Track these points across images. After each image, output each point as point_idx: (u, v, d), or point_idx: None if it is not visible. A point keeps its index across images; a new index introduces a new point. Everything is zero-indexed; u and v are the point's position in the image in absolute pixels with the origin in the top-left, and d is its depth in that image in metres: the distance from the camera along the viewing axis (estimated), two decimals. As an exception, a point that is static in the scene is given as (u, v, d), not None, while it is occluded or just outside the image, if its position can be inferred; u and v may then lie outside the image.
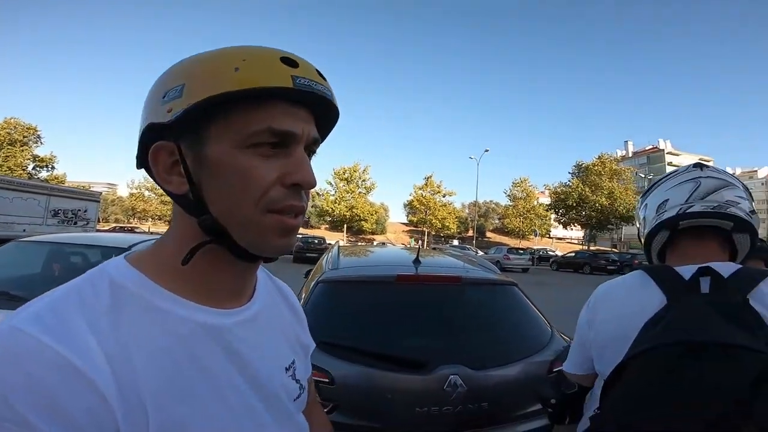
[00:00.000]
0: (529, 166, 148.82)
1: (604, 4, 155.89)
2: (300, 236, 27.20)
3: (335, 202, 42.17)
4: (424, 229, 44.57)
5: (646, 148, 73.49)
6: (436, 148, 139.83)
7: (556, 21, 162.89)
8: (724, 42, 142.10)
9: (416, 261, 2.09)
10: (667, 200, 0.89)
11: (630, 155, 73.11)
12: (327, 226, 50.31)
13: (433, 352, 1.69)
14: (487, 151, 39.56)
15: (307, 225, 52.48)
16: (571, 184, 42.17)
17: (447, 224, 44.16)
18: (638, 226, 1.01)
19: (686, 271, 0.81)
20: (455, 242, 43.24)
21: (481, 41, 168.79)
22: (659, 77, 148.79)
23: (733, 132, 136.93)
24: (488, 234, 59.16)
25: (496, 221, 61.86)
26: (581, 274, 22.46)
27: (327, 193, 43.98)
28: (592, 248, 37.92)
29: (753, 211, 0.86)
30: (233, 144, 0.44)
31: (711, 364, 0.65)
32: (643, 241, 0.97)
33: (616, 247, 48.47)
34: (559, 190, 43.18)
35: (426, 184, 46.06)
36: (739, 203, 0.85)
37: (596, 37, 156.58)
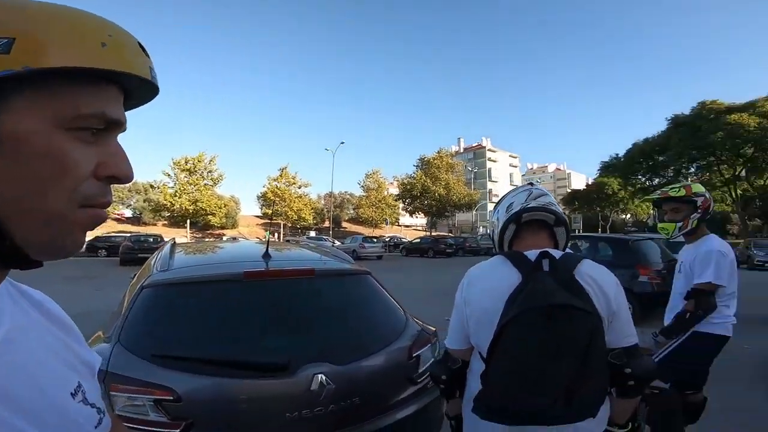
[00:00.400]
0: (381, 159, 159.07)
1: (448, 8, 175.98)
2: (130, 234, 23.00)
3: (175, 195, 37.10)
4: (280, 221, 43.14)
5: (473, 145, 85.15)
6: (294, 141, 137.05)
7: (414, 25, 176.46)
8: (523, 57, 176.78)
9: (266, 255, 1.94)
10: (513, 203, 1.25)
11: (462, 151, 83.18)
12: (166, 222, 44.02)
13: (293, 352, 1.59)
14: (342, 143, 40.48)
15: (139, 222, 44.99)
16: (415, 176, 46.16)
17: (303, 216, 43.62)
18: (492, 226, 1.34)
19: (531, 255, 1.12)
20: (312, 233, 43.15)
21: (337, 35, 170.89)
22: (486, 80, 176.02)
23: (532, 134, 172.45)
24: (344, 224, 60.91)
25: (351, 211, 64.15)
26: (426, 258, 25.14)
27: (164, 185, 38.37)
28: (433, 234, 42.74)
29: (563, 214, 1.27)
30: (52, 122, 0.36)
31: (561, 321, 0.95)
32: (497, 235, 1.28)
33: (451, 232, 55.70)
34: (405, 181, 46.86)
35: (281, 176, 44.52)
36: (555, 205, 1.23)
37: (434, 43, 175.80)
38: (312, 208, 46.96)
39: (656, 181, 37.85)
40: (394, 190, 52.92)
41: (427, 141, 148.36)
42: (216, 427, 1.40)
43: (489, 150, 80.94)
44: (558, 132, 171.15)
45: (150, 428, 1.33)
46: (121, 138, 0.43)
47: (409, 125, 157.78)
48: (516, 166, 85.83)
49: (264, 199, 49.89)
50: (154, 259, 2.14)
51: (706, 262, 2.04)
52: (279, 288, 1.84)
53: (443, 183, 44.31)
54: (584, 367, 0.97)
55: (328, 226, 48.01)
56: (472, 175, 65.50)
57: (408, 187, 45.73)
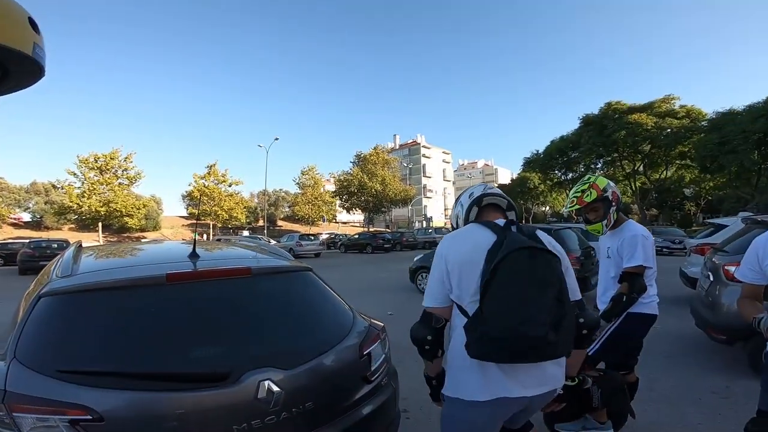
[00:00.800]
0: (317, 156, 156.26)
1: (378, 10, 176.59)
2: (29, 240, 20.18)
3: (83, 196, 33.15)
4: (209, 221, 40.53)
5: (408, 142, 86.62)
6: (225, 138, 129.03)
7: (346, 24, 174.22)
8: (428, 57, 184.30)
9: (193, 255, 1.76)
10: (473, 192, 1.59)
11: (397, 147, 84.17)
12: (73, 225, 39.24)
13: (233, 359, 1.45)
14: (276, 139, 38.89)
15: (40, 226, 39.54)
16: (352, 172, 46.09)
17: (235, 215, 41.42)
18: (456, 212, 1.65)
19: (499, 222, 1.40)
20: (245, 233, 41.17)
21: (269, 27, 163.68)
22: (420, 78, 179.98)
23: (463, 132, 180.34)
24: (279, 222, 58.92)
25: (287, 209, 62.29)
26: (365, 254, 25.22)
27: (70, 185, 34.09)
28: (371, 230, 43.03)
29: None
30: None
31: (541, 260, 1.21)
32: (463, 215, 1.57)
33: (388, 228, 56.49)
34: (342, 177, 46.61)
35: (209, 173, 41.80)
36: (503, 195, 1.56)
37: (374, 39, 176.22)
38: (245, 207, 44.81)
39: (570, 175, 41.73)
40: (331, 187, 52.32)
41: (363, 137, 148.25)
42: None
43: (423, 146, 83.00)
44: (487, 130, 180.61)
45: None
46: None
47: (346, 121, 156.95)
48: (449, 162, 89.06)
49: (190, 198, 46.56)
50: (54, 265, 1.84)
51: (633, 246, 2.20)
52: (211, 290, 1.66)
53: (380, 179, 44.71)
54: (561, 303, 1.18)
55: (262, 225, 46.10)
56: (408, 171, 66.96)
57: (345, 183, 45.49)
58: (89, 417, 1.19)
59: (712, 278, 4.00)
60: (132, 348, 1.42)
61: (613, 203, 2.29)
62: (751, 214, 5.65)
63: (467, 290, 1.27)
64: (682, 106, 33.86)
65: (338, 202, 49.02)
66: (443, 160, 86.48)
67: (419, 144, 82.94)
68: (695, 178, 35.40)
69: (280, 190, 67.51)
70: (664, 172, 36.25)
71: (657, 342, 4.25)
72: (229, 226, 43.11)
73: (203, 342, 1.53)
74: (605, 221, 2.30)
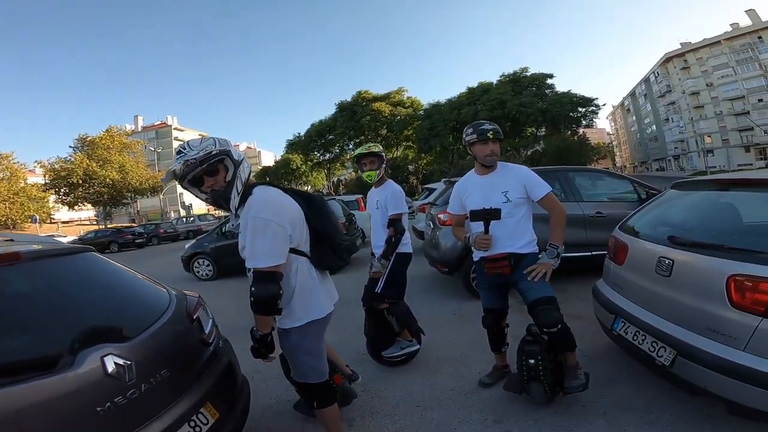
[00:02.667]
0: (12, 141, 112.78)
1: None
2: None
3: None
4: None
5: (155, 124, 75.08)
6: None
7: None
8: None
9: None
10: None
11: (140, 129, 72.22)
12: None
13: (55, 342, 1.32)
14: None
15: None
16: (73, 159, 36.43)
17: None
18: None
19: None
20: None
21: None
22: (167, 56, 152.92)
23: (224, 113, 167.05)
24: (-54, 234, 39.84)
25: (-42, 214, 42.60)
26: (110, 253, 20.45)
27: None
28: (110, 226, 35.00)
29: None
30: None
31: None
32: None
33: (134, 222, 47.62)
34: (57, 166, 36.21)
35: None
36: None
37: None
38: None
39: (327, 156, 45.95)
40: (38, 179, 39.17)
41: (89, 119, 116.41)
42: None
43: (176, 129, 73.21)
44: (248, 112, 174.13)
45: None
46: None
47: (59, 99, 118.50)
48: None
49: None
50: None
51: (396, 198, 2.93)
52: None
53: (116, 166, 37.00)
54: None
55: None
56: (156, 156, 57.37)
57: (63, 173, 35.37)
58: None
59: (432, 226, 5.49)
60: None
61: (384, 163, 3.02)
62: (448, 179, 7.91)
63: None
64: (408, 97, 42.64)
65: (54, 197, 37.43)
66: (200, 142, 78.30)
67: (170, 126, 72.72)
68: (415, 157, 45.33)
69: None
70: (396, 151, 44.74)
71: (409, 283, 5.40)
72: None
73: (7, 333, 1.29)
74: (378, 171, 2.98)
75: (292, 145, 46.35)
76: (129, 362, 1.34)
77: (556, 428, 2.10)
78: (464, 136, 2.38)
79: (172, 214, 48.77)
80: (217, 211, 50.26)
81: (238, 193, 1.66)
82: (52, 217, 39.69)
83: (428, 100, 41.50)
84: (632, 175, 10.66)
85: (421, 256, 5.63)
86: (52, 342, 1.33)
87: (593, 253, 4.28)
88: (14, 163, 35.68)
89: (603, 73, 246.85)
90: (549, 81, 36.68)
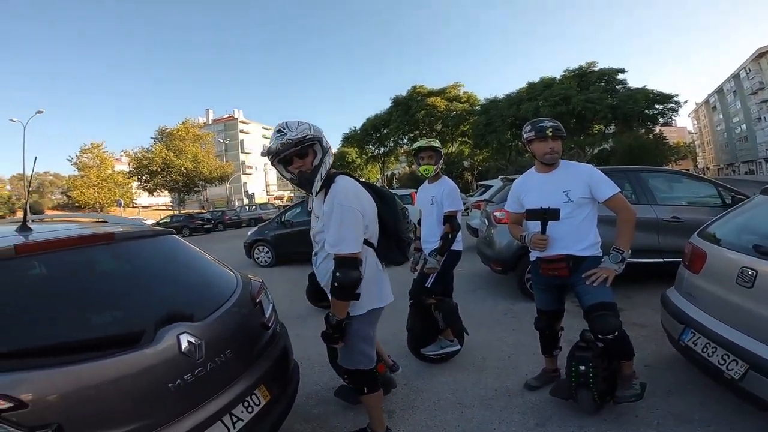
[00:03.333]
0: (103, 131, 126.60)
1: None
2: None
3: None
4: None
5: (224, 117, 79.57)
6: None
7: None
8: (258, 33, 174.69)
9: (24, 229, 1.56)
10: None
11: (210, 122, 76.70)
12: None
13: (138, 319, 1.41)
14: (40, 112, 29.57)
15: None
16: (153, 149, 39.80)
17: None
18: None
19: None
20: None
21: None
22: (236, 55, 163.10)
23: (284, 106, 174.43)
24: (49, 212, 45.88)
25: (59, 195, 48.87)
26: (183, 237, 22.16)
27: None
28: (184, 212, 38.16)
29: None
30: None
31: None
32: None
33: (203, 208, 51.40)
34: (140, 155, 39.75)
35: None
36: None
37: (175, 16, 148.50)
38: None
39: (382, 149, 46.28)
40: (124, 167, 43.53)
41: (167, 113, 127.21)
42: (96, 420, 1.16)
43: (241, 122, 77.62)
44: (307, 105, 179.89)
45: None
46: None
47: (145, 92, 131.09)
48: (269, 138, 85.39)
49: None
50: None
51: (453, 195, 2.90)
52: (69, 261, 1.47)
53: (190, 156, 39.94)
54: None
55: (20, 217, 35.00)
56: (224, 147, 61.49)
57: (144, 162, 38.86)
58: (11, 404, 1.04)
59: (487, 223, 5.37)
60: (30, 325, 1.26)
61: (441, 159, 3.02)
62: (505, 176, 7.67)
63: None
64: (465, 93, 41.64)
65: (136, 183, 41.42)
66: (263, 136, 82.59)
67: (236, 119, 77.17)
68: (470, 153, 44.25)
69: (47, 173, 52.39)
70: (451, 147, 44.00)
71: (459, 280, 5.38)
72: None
73: (99, 309, 1.43)
74: (436, 167, 2.98)
75: (348, 139, 47.18)
76: (200, 341, 1.42)
77: (605, 438, 1.99)
78: (523, 133, 2.31)
79: (236, 203, 52.12)
80: (276, 201, 52.53)
81: (321, 179, 1.74)
82: (134, 202, 44.21)
83: (485, 95, 40.00)
84: (716, 178, 9.61)
85: (471, 254, 5.53)
86: (136, 319, 1.41)
87: (665, 260, 3.99)
88: (104, 152, 40.22)
89: (686, 68, 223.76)
90: (620, 76, 33.64)
